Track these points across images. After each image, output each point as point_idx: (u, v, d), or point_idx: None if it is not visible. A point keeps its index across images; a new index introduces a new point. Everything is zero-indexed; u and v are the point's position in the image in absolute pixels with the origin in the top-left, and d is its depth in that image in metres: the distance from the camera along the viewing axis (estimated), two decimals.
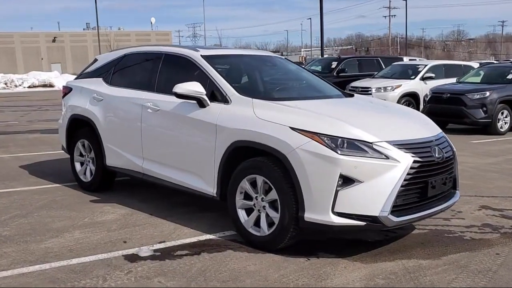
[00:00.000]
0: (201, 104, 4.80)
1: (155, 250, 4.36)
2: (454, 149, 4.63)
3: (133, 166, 5.67)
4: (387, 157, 3.95)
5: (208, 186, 4.80)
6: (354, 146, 3.97)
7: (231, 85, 4.81)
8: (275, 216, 4.24)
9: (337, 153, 3.91)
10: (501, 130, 12.31)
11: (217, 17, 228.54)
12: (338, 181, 3.89)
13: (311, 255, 4.26)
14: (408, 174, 3.97)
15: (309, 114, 4.28)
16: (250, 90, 5.03)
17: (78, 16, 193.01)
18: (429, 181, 4.16)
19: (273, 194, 4.23)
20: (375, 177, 3.90)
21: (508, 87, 12.54)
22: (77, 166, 6.55)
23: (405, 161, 3.98)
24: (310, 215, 4.00)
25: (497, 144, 10.73)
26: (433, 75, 14.94)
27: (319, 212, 3.96)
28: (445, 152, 4.37)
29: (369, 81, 15.21)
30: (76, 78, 6.89)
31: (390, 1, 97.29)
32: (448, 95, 12.61)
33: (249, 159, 4.42)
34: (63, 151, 7.09)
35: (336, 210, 3.92)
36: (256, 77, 5.49)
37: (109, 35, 56.89)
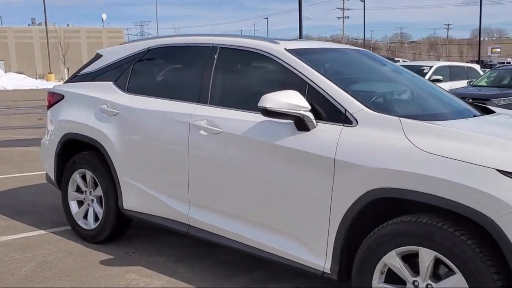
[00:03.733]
0: (302, 125, 3.03)
1: None
2: None
3: (171, 213, 3.81)
4: None
5: (313, 255, 3.04)
6: None
7: (352, 95, 3.05)
8: None
9: None
10: None
11: (166, 16, 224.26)
12: None
13: None
14: None
15: None
16: (385, 104, 3.29)
17: (22, 11, 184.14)
18: None
19: (457, 281, 2.52)
20: None
21: None
22: (73, 206, 4.61)
23: None
24: None
25: None
26: (440, 77, 13.64)
27: None
28: None
29: None
30: (67, 81, 4.91)
31: (344, 2, 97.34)
32: (470, 100, 11.22)
33: (402, 217, 2.69)
34: (40, 177, 5.13)
35: None
36: (377, 83, 3.75)
37: (57, 31, 53.36)
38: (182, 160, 3.65)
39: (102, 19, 66.96)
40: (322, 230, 2.97)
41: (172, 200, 3.79)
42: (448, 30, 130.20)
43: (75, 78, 4.79)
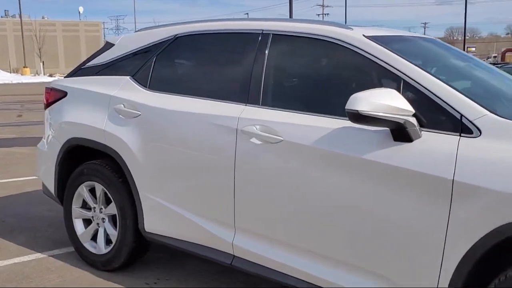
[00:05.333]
0: (402, 134, 2.34)
1: None
2: None
3: (209, 240, 3.08)
4: None
5: None
6: None
7: (469, 97, 2.35)
8: None
9: None
10: None
11: (142, 10, 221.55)
12: None
13: None
14: None
15: None
16: (508, 108, 2.61)
17: None
18: None
19: None
20: None
21: None
22: (78, 225, 3.84)
23: None
24: None
25: None
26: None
27: None
28: None
29: None
30: (70, 75, 4.11)
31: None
32: None
33: None
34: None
35: None
36: (477, 81, 3.05)
37: (32, 24, 51.72)
38: (226, 174, 2.92)
39: (79, 12, 65.26)
40: (431, 273, 2.28)
41: (212, 224, 3.06)
42: (425, 28, 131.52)
43: (79, 71, 4.00)
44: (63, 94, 3.91)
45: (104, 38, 66.45)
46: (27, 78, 40.66)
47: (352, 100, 2.29)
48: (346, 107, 2.31)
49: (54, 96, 3.99)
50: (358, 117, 2.30)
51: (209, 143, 3.02)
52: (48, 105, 4.05)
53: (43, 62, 49.02)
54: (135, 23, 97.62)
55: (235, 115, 2.92)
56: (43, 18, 60.33)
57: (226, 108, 2.99)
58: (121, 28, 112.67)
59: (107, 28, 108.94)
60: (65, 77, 4.18)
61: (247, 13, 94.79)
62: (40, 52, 49.12)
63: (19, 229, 4.58)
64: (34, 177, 6.47)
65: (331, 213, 2.56)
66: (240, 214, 2.91)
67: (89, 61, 3.95)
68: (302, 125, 2.66)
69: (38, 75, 46.80)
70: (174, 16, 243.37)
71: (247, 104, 2.93)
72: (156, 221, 3.33)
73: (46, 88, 4.13)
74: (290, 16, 21.65)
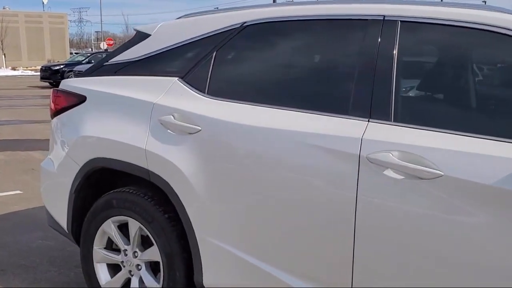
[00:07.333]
0: None
1: None
2: None
3: None
4: None
5: None
6: None
7: None
8: None
9: None
10: None
11: (108, 2, 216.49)
12: None
13: None
14: None
15: None
16: None
17: None
18: None
19: None
20: None
21: None
22: (102, 272, 2.91)
23: None
24: None
25: None
26: None
27: None
28: None
29: None
30: (87, 74, 3.15)
31: None
32: None
33: None
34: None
35: None
36: None
37: None
38: (342, 219, 2.06)
39: (43, 3, 62.52)
40: None
41: (313, 284, 2.19)
42: None
43: (101, 69, 3.05)
44: (81, 99, 2.96)
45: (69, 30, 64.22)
46: None
47: None
48: None
49: (67, 101, 3.03)
50: None
51: (312, 174, 2.15)
52: (57, 112, 3.09)
53: (4, 54, 46.77)
54: (101, 15, 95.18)
55: (355, 136, 2.06)
56: (4, 8, 57.49)
57: (337, 125, 2.13)
58: (84, 20, 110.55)
59: (69, 21, 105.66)
60: (80, 76, 3.22)
61: (217, 7, 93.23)
62: (2, 44, 46.79)
63: (12, 267, 3.61)
64: (18, 192, 5.50)
65: None
66: (363, 276, 2.06)
67: (115, 56, 3.01)
68: (475, 154, 1.83)
69: (0, 68, 44.58)
70: (142, 9, 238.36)
71: (370, 120, 2.08)
72: (221, 275, 2.45)
73: (54, 90, 3.17)
74: None
